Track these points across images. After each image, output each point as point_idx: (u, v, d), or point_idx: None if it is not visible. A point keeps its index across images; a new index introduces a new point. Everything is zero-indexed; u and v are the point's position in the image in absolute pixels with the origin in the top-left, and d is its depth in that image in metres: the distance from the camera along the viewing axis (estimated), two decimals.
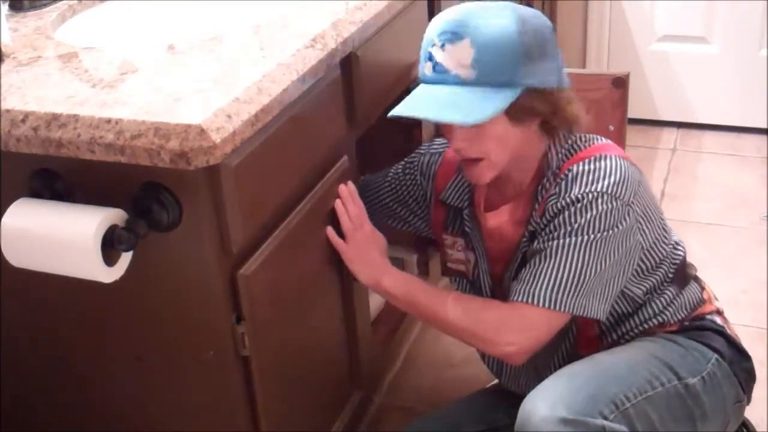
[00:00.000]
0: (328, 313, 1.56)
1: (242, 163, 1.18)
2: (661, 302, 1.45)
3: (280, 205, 1.33)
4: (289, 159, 1.32)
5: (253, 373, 1.29)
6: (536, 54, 1.31)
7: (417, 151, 1.64)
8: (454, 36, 1.31)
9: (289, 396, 1.43)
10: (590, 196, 1.33)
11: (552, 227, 1.35)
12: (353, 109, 1.53)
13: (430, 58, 1.33)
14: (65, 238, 1.11)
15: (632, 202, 1.35)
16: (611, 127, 1.73)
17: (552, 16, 3.06)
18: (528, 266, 1.36)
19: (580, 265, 1.32)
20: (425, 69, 1.34)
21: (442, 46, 1.32)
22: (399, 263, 2.10)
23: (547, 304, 1.32)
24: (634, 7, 3.09)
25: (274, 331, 1.33)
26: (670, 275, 1.46)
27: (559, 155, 1.40)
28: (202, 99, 1.15)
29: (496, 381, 1.80)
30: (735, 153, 2.98)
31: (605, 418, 1.27)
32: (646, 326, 1.44)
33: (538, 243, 1.36)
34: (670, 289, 1.46)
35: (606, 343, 1.46)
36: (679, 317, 1.46)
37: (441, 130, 1.46)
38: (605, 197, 1.32)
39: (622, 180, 1.34)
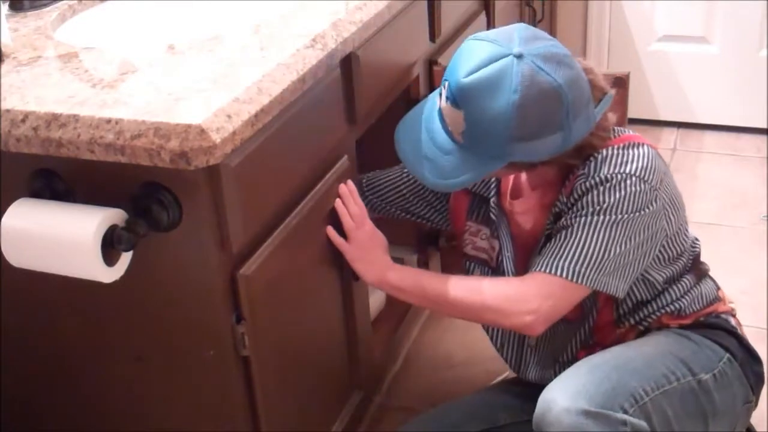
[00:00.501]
0: (328, 313, 1.56)
1: (242, 163, 1.18)
2: (679, 290, 1.46)
3: (280, 205, 1.33)
4: (289, 159, 1.32)
5: (253, 373, 1.29)
6: (530, 135, 1.29)
7: None
8: (454, 103, 1.32)
9: (289, 396, 1.43)
10: (619, 176, 1.34)
11: (579, 206, 1.35)
12: (353, 109, 1.53)
13: (440, 94, 1.36)
14: (65, 238, 1.11)
15: (659, 188, 1.36)
16: None
17: (552, 16, 3.06)
18: (552, 241, 1.37)
19: (604, 242, 1.33)
20: (443, 86, 1.36)
21: (447, 98, 1.34)
22: (399, 263, 2.09)
23: (569, 276, 1.33)
24: (634, 7, 3.09)
25: (274, 331, 1.33)
26: (689, 266, 1.48)
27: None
28: (202, 99, 1.15)
29: (496, 381, 1.80)
30: (735, 153, 2.98)
31: (625, 411, 1.28)
32: (662, 312, 1.45)
33: (565, 220, 1.37)
34: (687, 277, 1.47)
35: (623, 327, 1.46)
36: (695, 309, 1.47)
37: None
38: (634, 179, 1.34)
39: (650, 165, 1.36)
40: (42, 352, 1.38)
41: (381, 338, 1.88)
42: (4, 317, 1.35)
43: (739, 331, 1.50)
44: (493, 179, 1.54)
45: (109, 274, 1.14)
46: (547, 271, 1.34)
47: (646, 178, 1.34)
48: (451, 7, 1.97)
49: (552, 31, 3.11)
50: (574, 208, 1.36)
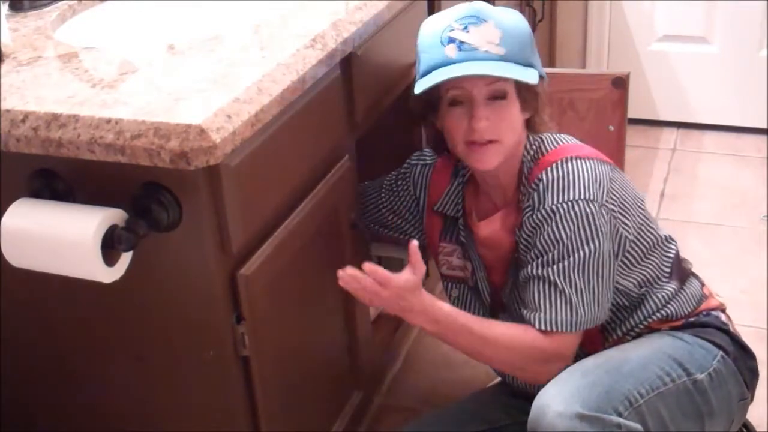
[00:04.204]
0: (328, 313, 1.56)
1: (242, 163, 1.18)
2: (664, 297, 1.46)
3: (280, 205, 1.33)
4: (289, 159, 1.32)
5: (253, 373, 1.29)
6: (535, 45, 1.42)
7: (408, 161, 1.64)
8: (477, 20, 1.37)
9: (289, 396, 1.43)
10: (565, 206, 1.35)
11: (541, 247, 1.36)
12: (353, 109, 1.53)
13: (452, 40, 1.36)
14: (65, 238, 1.11)
15: (607, 201, 1.37)
16: (611, 127, 1.73)
17: (552, 16, 3.06)
18: (537, 293, 1.36)
19: (585, 284, 1.35)
20: (447, 52, 1.36)
21: (465, 28, 1.36)
22: (399, 263, 2.09)
23: (571, 329, 1.35)
24: (634, 7, 3.09)
25: (274, 331, 1.33)
26: (666, 269, 1.48)
27: (528, 157, 1.43)
28: (202, 99, 1.15)
29: (495, 381, 1.80)
30: (735, 153, 2.98)
31: (620, 414, 1.28)
32: (650, 320, 1.45)
33: (538, 268, 1.36)
34: (672, 284, 1.47)
35: (612, 340, 1.47)
36: (684, 312, 1.47)
37: (444, 121, 1.43)
38: (580, 203, 1.35)
39: (591, 182, 1.37)
40: (42, 352, 1.38)
41: (381, 338, 1.88)
42: (4, 317, 1.35)
43: (730, 327, 1.50)
44: (459, 198, 1.54)
45: (109, 274, 1.14)
46: (551, 328, 1.34)
47: (591, 198, 1.35)
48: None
49: (552, 31, 3.12)
50: (536, 251, 1.37)
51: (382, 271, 1.35)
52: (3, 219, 1.15)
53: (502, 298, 1.52)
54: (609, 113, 1.73)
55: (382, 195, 1.66)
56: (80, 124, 1.12)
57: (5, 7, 1.58)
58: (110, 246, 1.12)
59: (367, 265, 1.35)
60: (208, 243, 1.18)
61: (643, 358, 1.38)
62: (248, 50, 1.34)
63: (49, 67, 1.32)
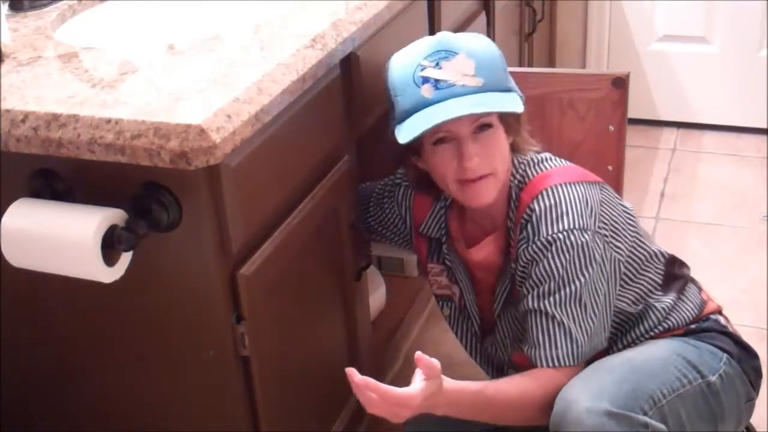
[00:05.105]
0: (328, 313, 1.56)
1: (242, 163, 1.18)
2: (664, 309, 1.46)
3: (280, 205, 1.33)
4: (289, 159, 1.32)
5: (252, 373, 1.29)
6: (506, 67, 1.40)
7: (393, 179, 1.63)
8: (447, 53, 1.33)
9: (288, 396, 1.43)
10: (561, 236, 1.33)
11: (536, 279, 1.35)
12: (353, 109, 1.53)
13: (426, 80, 1.33)
14: (65, 238, 1.11)
15: (599, 228, 1.36)
16: (611, 127, 1.72)
17: (552, 16, 3.06)
18: (535, 328, 1.35)
19: (583, 313, 1.34)
20: (424, 92, 1.32)
21: (437, 65, 1.33)
22: (399, 263, 2.10)
23: (573, 362, 1.34)
24: (634, 7, 3.09)
25: (274, 331, 1.33)
26: (659, 281, 1.47)
27: (515, 181, 1.42)
28: (202, 99, 1.15)
29: None
30: (735, 153, 2.99)
31: (645, 414, 1.28)
32: (652, 333, 1.45)
33: (534, 301, 1.35)
34: (669, 295, 1.47)
35: (613, 352, 1.46)
36: (686, 322, 1.47)
37: (429, 162, 1.40)
38: (575, 233, 1.33)
39: (582, 209, 1.35)
40: (42, 352, 1.38)
41: (381, 338, 1.88)
42: (4, 317, 1.35)
43: (729, 328, 1.50)
44: (443, 220, 1.53)
45: (109, 274, 1.14)
46: (552, 365, 1.33)
47: (584, 226, 1.34)
48: (451, 7, 1.97)
49: (552, 31, 3.11)
50: (530, 282, 1.35)
51: (394, 394, 1.22)
52: (3, 219, 1.15)
53: (492, 321, 1.52)
54: (609, 113, 1.72)
55: (371, 208, 1.65)
56: (80, 124, 1.12)
57: (5, 7, 1.58)
58: (110, 246, 1.12)
59: (378, 389, 1.24)
60: (208, 243, 1.18)
61: (661, 359, 1.38)
62: (248, 50, 1.34)
63: (49, 67, 1.32)
